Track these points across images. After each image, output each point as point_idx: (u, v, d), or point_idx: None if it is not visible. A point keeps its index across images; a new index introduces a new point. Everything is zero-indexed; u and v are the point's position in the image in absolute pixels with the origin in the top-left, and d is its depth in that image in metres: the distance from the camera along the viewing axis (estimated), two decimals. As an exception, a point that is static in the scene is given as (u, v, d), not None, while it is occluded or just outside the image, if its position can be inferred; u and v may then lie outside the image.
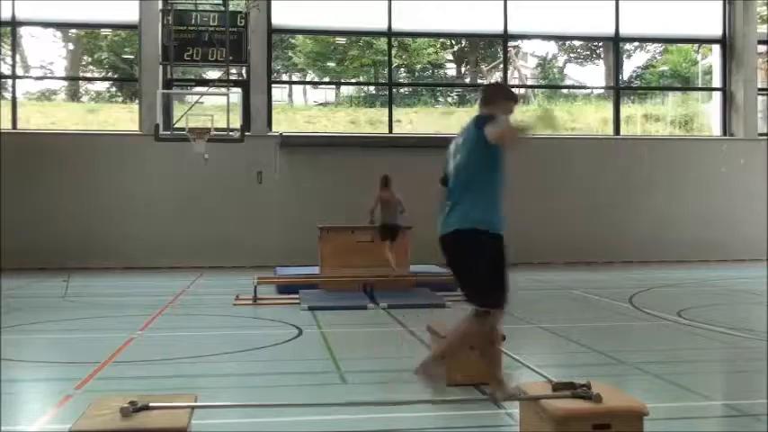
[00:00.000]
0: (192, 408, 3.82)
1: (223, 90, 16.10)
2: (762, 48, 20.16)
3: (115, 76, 20.85)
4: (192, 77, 18.97)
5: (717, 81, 19.93)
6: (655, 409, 4.30)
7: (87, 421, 3.58)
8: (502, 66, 19.65)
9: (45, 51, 20.23)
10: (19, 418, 5.08)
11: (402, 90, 20.91)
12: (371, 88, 21.20)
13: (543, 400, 4.10)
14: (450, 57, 22.30)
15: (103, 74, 21.25)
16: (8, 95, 17.98)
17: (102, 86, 21.07)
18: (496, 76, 20.50)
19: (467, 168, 4.41)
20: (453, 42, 21.63)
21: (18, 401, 5.58)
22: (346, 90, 21.53)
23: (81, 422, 3.60)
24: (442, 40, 21.02)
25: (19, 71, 18.52)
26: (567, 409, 3.91)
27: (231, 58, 16.25)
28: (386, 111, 18.94)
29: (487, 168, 4.41)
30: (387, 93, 19.26)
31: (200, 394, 5.15)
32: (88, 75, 21.19)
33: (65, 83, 20.47)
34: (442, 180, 4.70)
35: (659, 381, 6.16)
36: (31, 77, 19.81)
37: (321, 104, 21.30)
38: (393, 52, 19.43)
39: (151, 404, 3.71)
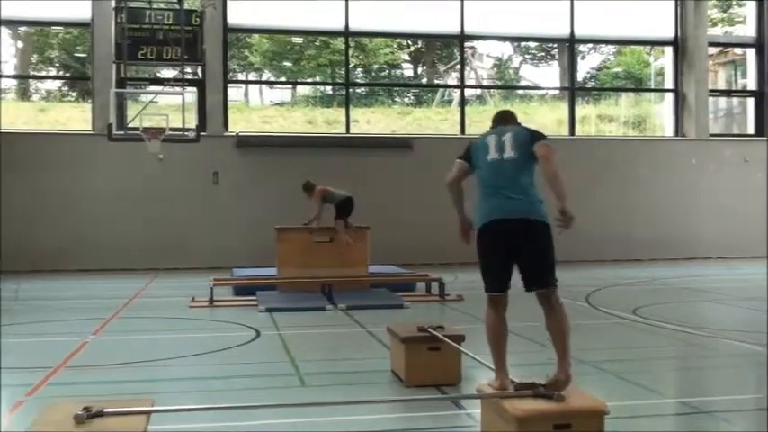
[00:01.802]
0: (149, 412, 3.73)
1: (178, 89, 15.87)
2: (712, 50, 20.53)
3: (67, 75, 20.47)
4: (147, 76, 18.70)
5: (669, 82, 20.24)
6: (613, 407, 4.33)
7: (39, 428, 3.48)
8: (459, 66, 19.73)
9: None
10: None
11: (359, 90, 20.86)
12: (328, 88, 21.12)
13: (504, 400, 4.10)
14: (407, 57, 22.31)
15: (55, 72, 20.84)
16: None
17: (53, 85, 20.67)
18: (453, 77, 20.58)
19: (525, 164, 4.75)
20: (410, 43, 21.65)
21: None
22: (303, 90, 21.41)
23: (33, 429, 3.50)
24: (398, 40, 21.02)
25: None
26: (527, 409, 3.91)
27: (186, 57, 16.05)
28: (343, 111, 18.88)
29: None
30: (344, 93, 19.21)
31: (157, 398, 5.07)
32: (39, 73, 20.75)
33: (14, 82, 20.04)
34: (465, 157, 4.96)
35: (617, 379, 6.22)
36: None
37: (278, 104, 21.16)
38: (350, 52, 19.37)
39: (106, 410, 3.62)
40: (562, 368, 4.48)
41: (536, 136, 4.81)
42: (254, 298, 11.01)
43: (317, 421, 4.89)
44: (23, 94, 19.99)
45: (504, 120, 5.13)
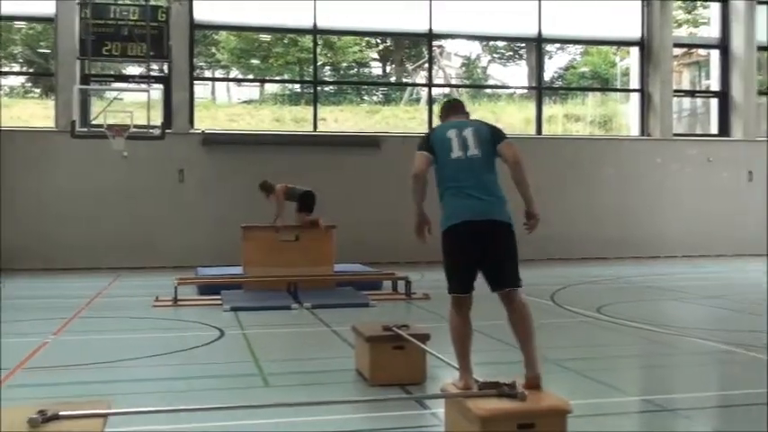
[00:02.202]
0: (105, 415, 3.66)
1: (143, 86, 15.70)
2: (677, 50, 20.75)
3: (30, 71, 20.15)
4: (112, 73, 18.46)
5: (634, 82, 20.41)
6: (577, 406, 4.33)
7: (-9, 433, 3.40)
8: (427, 65, 19.73)
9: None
10: None
11: (327, 88, 20.78)
12: (296, 86, 21.01)
13: (468, 400, 4.08)
14: (376, 55, 22.27)
15: (17, 68, 20.51)
16: None
17: (16, 81, 20.33)
18: (421, 76, 20.58)
19: (489, 163, 4.75)
20: (379, 41, 21.61)
21: None
22: (271, 88, 21.28)
23: (-16, 434, 3.41)
24: (367, 38, 20.97)
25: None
26: (491, 408, 3.89)
27: (152, 53, 15.86)
28: (311, 109, 18.79)
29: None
30: (312, 91, 19.11)
31: (117, 400, 4.98)
32: (5, 70, 20.40)
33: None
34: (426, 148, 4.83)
35: (581, 377, 6.24)
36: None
37: (245, 102, 21.02)
38: (318, 50, 19.30)
39: (61, 413, 3.54)
40: (533, 366, 4.49)
41: (497, 134, 4.84)
42: (218, 297, 10.90)
43: (281, 422, 4.84)
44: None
45: (455, 110, 5.13)
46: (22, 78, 20.37)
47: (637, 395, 5.87)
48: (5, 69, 20.29)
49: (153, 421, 4.67)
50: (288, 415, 4.94)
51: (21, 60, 20.18)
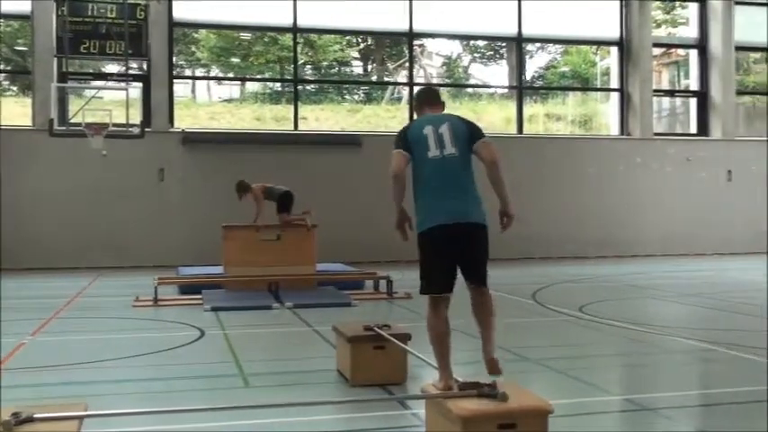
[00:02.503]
0: (81, 417, 3.60)
1: (122, 84, 15.57)
2: (657, 50, 20.86)
3: (9, 69, 19.92)
4: (91, 71, 18.29)
5: (614, 82, 20.49)
6: (558, 405, 4.31)
7: (-36, 436, 3.33)
8: (408, 64, 19.70)
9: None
10: None
11: (308, 87, 20.71)
12: (277, 85, 20.92)
13: (449, 400, 4.05)
14: (357, 54, 22.22)
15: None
16: None
17: (-6, 79, 20.10)
18: (402, 75, 20.56)
19: (465, 162, 4.73)
20: (360, 40, 21.56)
21: None
22: (252, 86, 21.18)
23: (-43, 437, 3.35)
24: (348, 37, 20.92)
25: None
26: (472, 409, 3.86)
27: (130, 51, 15.77)
28: (291, 108, 18.72)
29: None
30: (292, 89, 19.03)
31: (96, 402, 4.91)
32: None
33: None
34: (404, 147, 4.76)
35: (562, 377, 6.23)
36: None
37: (226, 101, 20.91)
38: (299, 49, 19.22)
39: (36, 415, 3.48)
40: (492, 350, 4.66)
41: (475, 132, 4.79)
42: (199, 297, 10.83)
43: (261, 423, 4.79)
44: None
45: (430, 101, 5.09)
46: (0, 76, 20.13)
47: (618, 394, 5.87)
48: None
49: (130, 423, 4.61)
50: (268, 416, 4.89)
51: (-1, 58, 19.95)
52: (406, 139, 4.78)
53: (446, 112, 5.09)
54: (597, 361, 7.07)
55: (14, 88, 19.61)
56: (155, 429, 4.60)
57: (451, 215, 4.58)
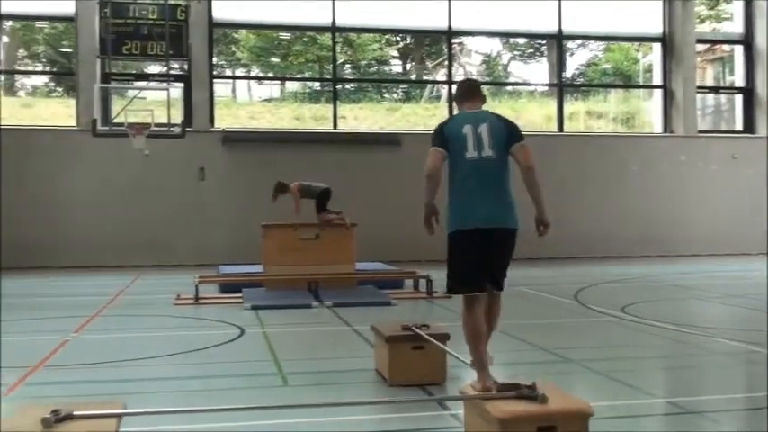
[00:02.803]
0: (119, 415, 3.62)
1: (163, 85, 15.73)
2: (700, 46, 20.50)
3: (53, 70, 20.26)
4: (133, 72, 18.51)
5: (657, 79, 20.19)
6: (600, 407, 4.24)
7: (6, 433, 3.37)
8: (447, 63, 19.62)
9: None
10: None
11: (348, 86, 20.73)
12: (316, 84, 20.97)
13: (487, 402, 4.00)
14: (396, 53, 22.19)
15: (41, 68, 20.65)
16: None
17: (39, 80, 20.46)
18: (442, 73, 20.48)
19: (503, 165, 4.71)
20: (399, 38, 21.53)
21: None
22: (291, 86, 21.27)
23: (-1, 434, 3.38)
24: (387, 36, 20.90)
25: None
26: (511, 410, 3.81)
27: (171, 52, 15.88)
28: (331, 107, 18.76)
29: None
30: (332, 89, 19.07)
31: (135, 399, 4.97)
32: (28, 69, 20.56)
33: (1, 77, 19.84)
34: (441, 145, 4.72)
35: (604, 378, 6.13)
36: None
37: (266, 100, 21.02)
38: (338, 48, 19.25)
39: (75, 413, 3.50)
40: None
41: (514, 133, 4.75)
42: (239, 295, 10.89)
43: (299, 422, 4.78)
44: (9, 90, 19.78)
45: (471, 94, 5.01)
46: (45, 78, 20.49)
47: (661, 397, 5.75)
48: (28, 69, 20.49)
49: (168, 421, 4.63)
50: (306, 415, 4.89)
51: (44, 60, 20.30)
52: (444, 137, 4.74)
53: (485, 108, 5.02)
54: (639, 362, 6.94)
55: (60, 89, 19.92)
56: (192, 428, 4.61)
57: (488, 220, 4.59)
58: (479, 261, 4.63)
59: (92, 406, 3.71)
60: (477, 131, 4.67)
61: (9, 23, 19.32)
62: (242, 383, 5.98)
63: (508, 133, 4.71)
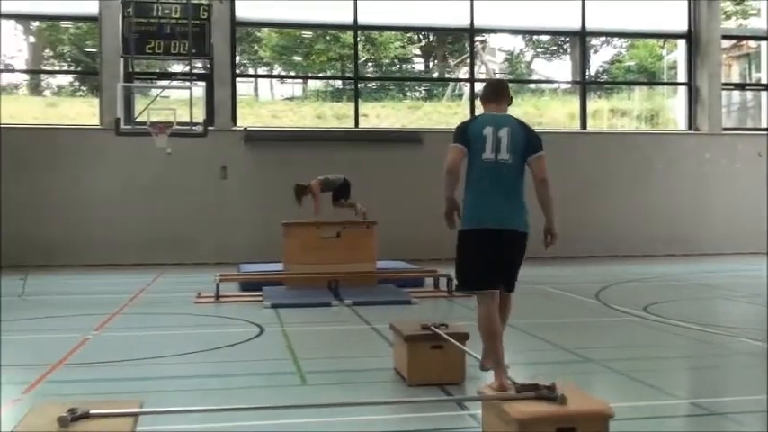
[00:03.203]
0: (136, 414, 3.61)
1: (186, 83, 15.79)
2: (726, 43, 20.26)
3: (77, 69, 20.41)
4: (157, 70, 18.61)
5: (682, 76, 19.98)
6: (621, 408, 4.18)
7: (21, 430, 3.37)
8: (469, 60, 19.53)
9: (6, 45, 19.80)
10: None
11: (370, 84, 20.71)
12: (338, 83, 20.97)
13: (505, 402, 3.95)
14: (418, 51, 22.14)
15: (66, 67, 20.82)
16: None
17: (64, 80, 20.62)
18: (464, 71, 20.40)
19: (518, 171, 4.79)
20: (421, 37, 21.48)
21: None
22: (314, 84, 21.29)
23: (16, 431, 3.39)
24: (409, 34, 20.86)
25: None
26: (530, 411, 3.76)
27: (194, 51, 15.93)
28: (352, 105, 18.74)
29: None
30: (353, 87, 19.06)
31: (154, 398, 4.98)
32: (50, 68, 20.74)
33: (26, 77, 20.07)
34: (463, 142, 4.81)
35: (626, 379, 6.06)
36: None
37: (288, 99, 21.05)
38: (360, 46, 19.23)
39: (92, 411, 3.50)
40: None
41: (532, 142, 4.81)
42: (260, 294, 10.90)
43: (316, 422, 4.76)
44: (35, 89, 19.97)
45: (495, 95, 5.03)
46: (70, 77, 20.64)
47: (684, 397, 5.68)
48: (53, 68, 20.66)
49: (186, 420, 4.63)
50: (324, 414, 4.87)
51: (69, 60, 20.46)
52: (466, 136, 4.81)
53: (510, 111, 5.06)
54: (662, 363, 6.86)
55: (84, 89, 20.07)
56: (210, 426, 4.61)
57: (499, 221, 4.69)
58: (491, 260, 4.72)
59: (109, 404, 3.71)
60: (497, 134, 4.75)
61: (36, 24, 19.51)
62: (260, 382, 5.97)
63: (527, 141, 4.79)
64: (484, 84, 5.31)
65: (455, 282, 5.01)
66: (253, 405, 4.84)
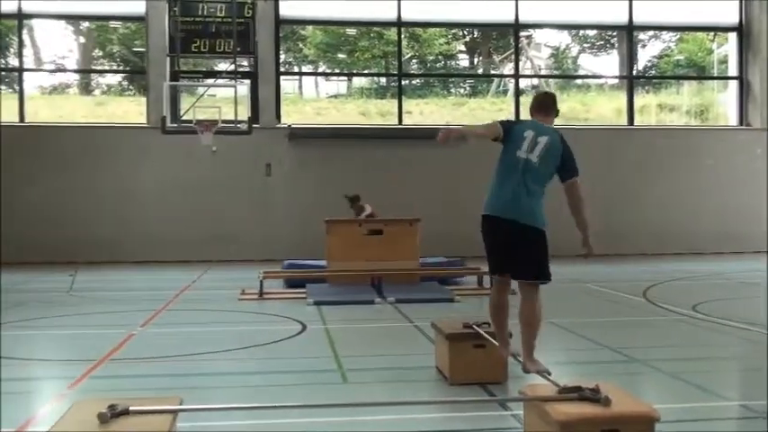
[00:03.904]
0: (176, 411, 3.62)
1: (230, 82, 15.91)
2: (779, 35, 19.77)
3: (128, 69, 20.69)
4: (203, 69, 18.79)
5: (733, 70, 19.57)
6: (668, 410, 4.08)
7: (62, 427, 3.39)
8: (514, 56, 19.36)
9: (58, 45, 20.22)
10: (2, 419, 4.88)
11: (414, 81, 20.64)
12: (382, 79, 20.95)
13: (548, 404, 3.87)
14: (463, 47, 22.02)
15: (115, 67, 21.15)
16: (21, 88, 17.92)
17: (113, 80, 20.95)
18: (509, 67, 20.23)
19: (540, 177, 4.98)
20: (465, 32, 21.35)
21: (5, 401, 5.38)
22: (358, 81, 21.30)
23: (56, 427, 3.41)
24: (453, 30, 20.74)
25: (33, 65, 18.64)
26: (572, 413, 3.68)
27: (239, 49, 16.07)
28: (396, 102, 18.70)
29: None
30: (397, 84, 19.02)
31: (195, 394, 5.01)
32: (99, 68, 21.08)
33: (77, 77, 20.43)
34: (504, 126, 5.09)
35: (673, 380, 5.92)
36: (38, 70, 19.68)
37: (332, 96, 21.10)
38: (405, 43, 19.18)
39: (132, 408, 3.51)
40: (528, 350, 5.12)
41: (569, 165, 5.00)
42: (303, 291, 10.93)
43: (358, 420, 4.73)
44: (85, 89, 20.31)
45: (544, 107, 5.27)
46: (119, 77, 20.96)
47: (733, 399, 5.52)
48: (100, 68, 20.98)
49: (225, 417, 4.63)
50: (365, 413, 4.84)
51: (118, 59, 20.77)
52: (510, 128, 5.08)
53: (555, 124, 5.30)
54: (710, 363, 6.69)
55: (132, 88, 20.34)
56: (250, 423, 4.60)
57: (503, 210, 4.95)
58: (491, 246, 5.09)
59: (148, 401, 3.72)
60: (536, 139, 4.98)
61: (85, 24, 19.84)
62: (301, 380, 5.96)
63: (563, 159, 4.99)
64: (534, 96, 5.52)
65: None
66: (292, 403, 4.83)
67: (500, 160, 5.06)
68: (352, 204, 13.04)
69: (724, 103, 20.36)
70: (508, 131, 5.02)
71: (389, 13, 18.41)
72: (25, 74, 18.11)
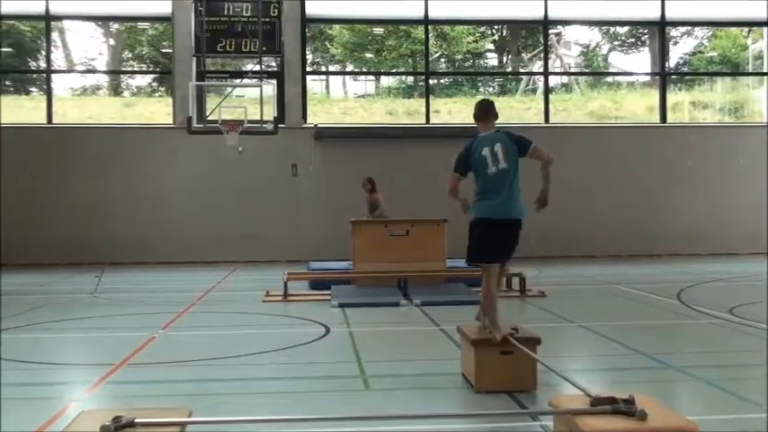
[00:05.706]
0: (183, 424, 3.44)
1: (256, 81, 15.79)
2: (817, 31, 19.29)
3: (157, 70, 20.70)
4: (230, 69, 18.71)
5: (768, 66, 19.11)
6: (706, 421, 3.83)
7: (64, 440, 3.23)
8: (543, 54, 19.05)
9: (88, 47, 20.29)
10: (12, 426, 4.74)
11: (442, 80, 20.41)
12: (410, 79, 20.74)
13: (579, 417, 3.64)
14: (491, 45, 21.75)
15: (144, 68, 21.19)
16: (51, 89, 17.97)
17: (143, 81, 20.99)
18: (538, 65, 19.93)
19: (514, 172, 5.87)
20: (494, 30, 21.07)
21: (18, 407, 5.25)
22: (385, 81, 21.11)
23: (57, 441, 3.25)
24: (482, 28, 20.48)
25: (64, 66, 18.74)
26: (604, 428, 3.44)
27: (264, 48, 15.94)
28: (424, 101, 18.48)
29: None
30: (425, 83, 18.81)
31: (214, 400, 4.84)
32: (129, 70, 21.12)
33: (107, 78, 20.48)
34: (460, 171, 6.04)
35: (710, 388, 5.64)
36: (65, 71, 19.76)
37: (360, 96, 20.93)
38: (432, 41, 18.95)
39: (137, 420, 3.34)
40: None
41: (522, 142, 5.86)
42: (328, 292, 10.75)
43: (379, 430, 4.52)
44: (114, 90, 20.35)
45: (485, 114, 6.02)
46: (148, 78, 20.99)
47: (776, 410, 5.24)
48: (128, 69, 21.02)
49: (236, 427, 4.45)
50: (386, 423, 4.62)
51: (147, 61, 20.79)
52: (467, 163, 5.94)
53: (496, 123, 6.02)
54: (751, 371, 6.37)
55: (161, 89, 20.34)
56: (266, 430, 4.41)
57: (504, 213, 5.84)
58: (492, 242, 5.82)
59: (156, 412, 3.54)
60: (493, 151, 5.83)
61: (115, 26, 19.86)
62: (322, 386, 5.76)
63: (518, 147, 5.85)
64: (475, 106, 6.12)
65: (466, 257, 6.08)
66: (302, 416, 4.62)
67: (477, 177, 5.90)
68: (372, 189, 13.30)
69: (759, 100, 19.89)
70: (467, 167, 5.91)
71: (417, 12, 18.19)
72: (54, 76, 18.17)
